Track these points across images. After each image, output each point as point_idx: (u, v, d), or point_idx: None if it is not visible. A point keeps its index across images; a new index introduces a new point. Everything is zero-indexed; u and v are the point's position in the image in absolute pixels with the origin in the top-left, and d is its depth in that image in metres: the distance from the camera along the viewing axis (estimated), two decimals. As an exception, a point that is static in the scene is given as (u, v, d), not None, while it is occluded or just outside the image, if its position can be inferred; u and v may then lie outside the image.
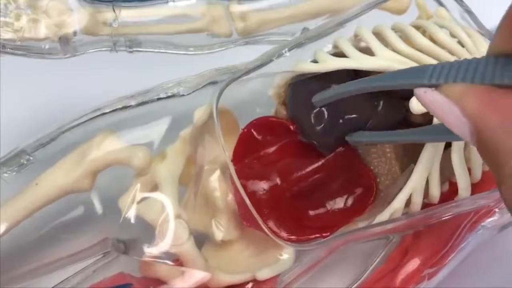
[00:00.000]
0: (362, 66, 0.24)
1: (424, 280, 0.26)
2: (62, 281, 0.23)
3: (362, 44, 0.25)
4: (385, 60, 0.23)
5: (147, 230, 0.22)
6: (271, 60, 0.25)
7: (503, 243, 0.29)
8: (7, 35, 0.25)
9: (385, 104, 0.24)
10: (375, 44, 0.24)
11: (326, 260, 0.25)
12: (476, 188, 0.25)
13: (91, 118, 0.25)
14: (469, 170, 0.24)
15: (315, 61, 0.25)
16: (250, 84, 0.26)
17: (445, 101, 0.16)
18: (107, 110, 0.25)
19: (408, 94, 0.24)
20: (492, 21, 0.28)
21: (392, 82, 0.19)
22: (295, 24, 0.29)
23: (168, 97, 0.25)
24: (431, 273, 0.26)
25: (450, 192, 0.25)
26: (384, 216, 0.24)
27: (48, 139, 0.24)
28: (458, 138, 0.19)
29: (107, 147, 0.23)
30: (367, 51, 0.24)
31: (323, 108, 0.24)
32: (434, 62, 0.23)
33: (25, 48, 0.26)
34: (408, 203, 0.24)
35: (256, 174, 0.24)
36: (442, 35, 0.25)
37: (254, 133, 0.25)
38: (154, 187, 0.23)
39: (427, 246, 0.26)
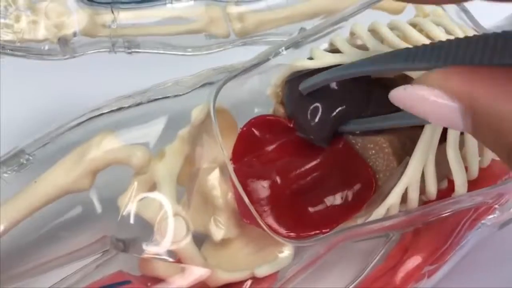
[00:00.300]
0: None
1: (424, 277, 0.26)
2: (61, 280, 0.23)
3: (359, 42, 0.26)
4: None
5: (145, 228, 0.22)
6: (268, 59, 0.25)
7: (503, 241, 0.29)
8: (7, 36, 0.25)
9: (378, 95, 0.24)
10: (369, 40, 0.24)
11: (326, 258, 0.25)
12: (473, 186, 0.25)
13: (90, 118, 0.25)
14: (466, 168, 0.24)
15: (311, 59, 0.25)
16: (248, 84, 0.26)
17: (426, 92, 0.15)
18: (106, 110, 0.25)
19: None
20: (488, 19, 0.28)
21: (381, 66, 0.18)
22: (293, 25, 0.30)
23: (166, 97, 0.25)
24: (431, 271, 0.26)
25: (448, 190, 0.25)
26: (380, 211, 0.24)
27: (48, 139, 0.25)
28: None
29: (106, 146, 0.23)
30: (364, 48, 0.25)
31: (318, 103, 0.24)
32: None
33: (24, 49, 0.26)
34: (405, 199, 0.24)
35: (255, 172, 0.24)
36: (438, 33, 0.25)
37: (254, 131, 0.26)
38: (153, 186, 0.23)
39: (427, 243, 0.26)
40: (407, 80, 0.23)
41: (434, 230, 0.26)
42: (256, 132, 0.26)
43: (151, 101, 0.25)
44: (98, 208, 0.24)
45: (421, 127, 0.23)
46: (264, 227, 0.23)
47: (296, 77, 0.25)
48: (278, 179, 0.24)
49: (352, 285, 0.26)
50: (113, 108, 0.25)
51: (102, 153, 0.23)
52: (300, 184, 0.24)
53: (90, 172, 0.23)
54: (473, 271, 0.28)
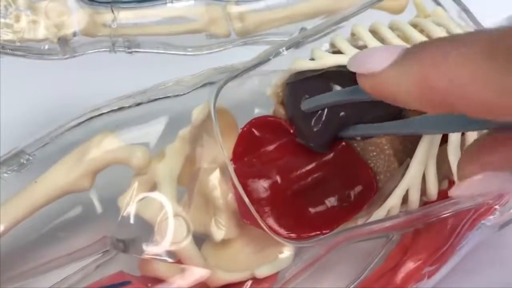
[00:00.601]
0: None
1: (424, 278, 0.26)
2: (61, 280, 0.24)
3: (360, 43, 0.26)
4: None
5: (146, 229, 0.22)
6: (268, 59, 0.25)
7: (503, 241, 0.29)
8: (7, 36, 0.25)
9: (377, 103, 0.24)
10: (370, 41, 0.24)
11: (326, 258, 0.25)
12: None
13: (90, 118, 0.25)
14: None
15: (312, 59, 0.25)
16: (248, 84, 0.26)
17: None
18: (106, 110, 0.25)
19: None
20: (489, 19, 0.28)
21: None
22: (293, 25, 0.30)
23: (166, 96, 0.25)
24: (431, 271, 0.26)
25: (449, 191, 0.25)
26: (381, 212, 0.24)
27: (48, 139, 0.25)
28: (455, 128, 0.19)
29: (107, 146, 0.23)
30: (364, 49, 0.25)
31: (319, 112, 0.24)
32: None
33: (24, 49, 0.26)
34: (405, 200, 0.24)
35: (256, 173, 0.24)
36: (439, 33, 0.25)
37: (254, 131, 0.25)
38: (153, 186, 0.23)
39: (427, 244, 0.26)
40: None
41: (434, 231, 0.26)
42: (257, 132, 0.26)
43: (152, 101, 0.25)
44: (98, 208, 0.24)
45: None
46: (265, 227, 0.23)
47: (297, 80, 0.25)
48: (278, 180, 0.24)
49: (352, 286, 0.26)
50: (113, 108, 0.25)
51: (102, 153, 0.23)
52: (300, 185, 0.24)
53: (90, 172, 0.23)
54: (473, 272, 0.28)
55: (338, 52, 0.25)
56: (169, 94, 0.25)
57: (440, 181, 0.24)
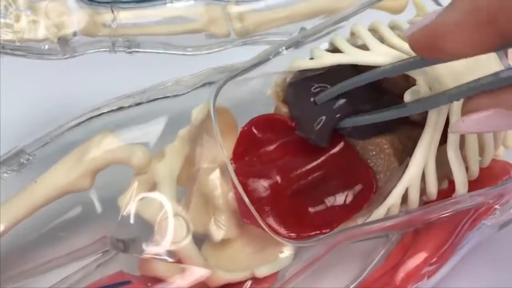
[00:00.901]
0: (357, 61, 0.24)
1: (424, 278, 0.26)
2: (61, 280, 0.23)
3: (359, 42, 0.26)
4: (380, 55, 0.24)
5: (145, 228, 0.22)
6: (268, 59, 0.25)
7: (503, 241, 0.29)
8: (7, 36, 0.25)
9: (378, 95, 0.24)
10: (370, 40, 0.24)
11: (326, 258, 0.25)
12: (474, 185, 0.25)
13: (90, 118, 0.25)
14: (467, 168, 0.24)
15: (312, 59, 0.25)
16: (248, 83, 0.26)
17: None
18: (106, 110, 0.25)
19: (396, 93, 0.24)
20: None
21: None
22: (293, 24, 0.30)
23: (166, 96, 0.25)
24: (431, 271, 0.26)
25: (449, 190, 0.25)
26: (381, 211, 0.24)
27: (48, 139, 0.25)
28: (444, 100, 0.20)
29: (106, 146, 0.23)
30: (364, 48, 0.25)
31: (320, 106, 0.24)
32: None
33: (24, 49, 0.26)
34: (405, 200, 0.24)
35: (256, 172, 0.24)
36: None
37: (254, 131, 0.25)
38: (153, 186, 0.23)
39: (427, 244, 0.26)
40: (409, 81, 0.23)
41: (434, 231, 0.26)
42: (257, 132, 0.26)
43: (151, 100, 0.25)
44: (98, 208, 0.24)
45: (422, 128, 0.23)
46: (265, 227, 0.23)
47: (300, 79, 0.25)
48: (278, 179, 0.24)
49: (352, 285, 0.26)
50: (113, 108, 0.25)
51: (102, 153, 0.23)
52: (300, 184, 0.24)
53: (90, 172, 0.23)
54: (473, 272, 0.28)
55: (337, 50, 0.25)
56: (168, 94, 0.25)
57: (439, 180, 0.24)
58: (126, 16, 0.27)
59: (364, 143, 0.25)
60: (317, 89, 0.25)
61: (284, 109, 0.26)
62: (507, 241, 0.29)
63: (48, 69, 0.27)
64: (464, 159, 0.24)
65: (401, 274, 0.26)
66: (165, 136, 0.24)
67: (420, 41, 0.18)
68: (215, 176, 0.24)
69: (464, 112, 0.19)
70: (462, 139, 0.24)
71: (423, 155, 0.23)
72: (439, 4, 0.30)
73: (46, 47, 0.26)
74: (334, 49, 0.25)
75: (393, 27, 0.26)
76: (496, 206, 0.27)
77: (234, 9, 0.29)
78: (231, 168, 0.23)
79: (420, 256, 0.26)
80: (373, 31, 0.25)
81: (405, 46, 0.24)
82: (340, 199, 0.25)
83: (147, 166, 0.23)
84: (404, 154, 0.24)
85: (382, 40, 0.25)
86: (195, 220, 0.23)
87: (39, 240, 0.23)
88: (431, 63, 0.20)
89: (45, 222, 0.23)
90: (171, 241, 0.22)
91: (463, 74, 0.22)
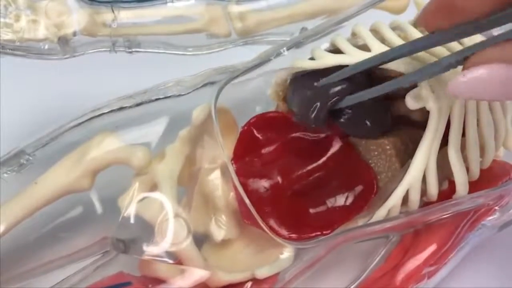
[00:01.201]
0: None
1: (424, 279, 0.26)
2: (61, 280, 0.23)
3: (360, 43, 0.26)
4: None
5: (146, 229, 0.22)
6: (269, 60, 0.25)
7: (503, 241, 0.29)
8: (7, 36, 0.25)
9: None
10: (371, 40, 0.24)
11: (326, 259, 0.25)
12: (475, 186, 0.25)
13: (91, 118, 0.25)
14: (467, 169, 0.24)
15: (312, 59, 0.25)
16: (249, 84, 0.26)
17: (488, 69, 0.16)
18: (106, 110, 0.25)
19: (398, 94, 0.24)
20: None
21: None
22: (294, 24, 0.30)
23: (167, 97, 0.25)
24: (431, 272, 0.26)
25: (449, 191, 0.25)
26: (382, 212, 0.24)
27: (48, 139, 0.25)
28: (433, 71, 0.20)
29: (107, 146, 0.23)
30: (365, 49, 0.24)
31: (317, 89, 0.24)
32: (431, 58, 0.23)
33: (24, 49, 0.26)
34: (406, 201, 0.24)
35: (257, 172, 0.24)
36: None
37: (254, 130, 0.25)
38: (153, 187, 0.23)
39: (427, 245, 0.26)
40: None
41: (434, 232, 0.26)
42: (257, 131, 0.26)
43: (152, 101, 0.25)
44: (99, 208, 0.24)
45: (424, 129, 0.23)
46: (265, 228, 0.23)
47: (300, 76, 0.25)
48: (279, 180, 0.24)
49: (353, 286, 0.26)
50: (113, 108, 0.25)
51: (103, 153, 0.23)
52: (301, 185, 0.24)
53: (90, 172, 0.23)
54: (473, 272, 0.28)
55: (338, 51, 0.25)
56: (169, 94, 0.25)
57: (440, 181, 0.24)
58: (127, 15, 0.27)
59: (367, 143, 0.25)
60: (316, 81, 0.24)
61: (285, 109, 0.26)
62: (507, 241, 0.29)
63: (48, 69, 0.27)
64: (465, 160, 0.24)
65: (401, 274, 0.26)
66: (166, 137, 0.24)
67: (436, 7, 0.18)
68: (216, 177, 0.24)
69: (467, 66, 0.18)
70: (463, 140, 0.24)
71: (424, 157, 0.23)
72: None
73: (46, 47, 0.26)
74: (335, 49, 0.25)
75: (394, 28, 0.26)
76: (496, 208, 0.27)
77: (235, 8, 0.29)
78: (231, 168, 0.23)
79: (421, 257, 0.26)
80: (374, 31, 0.25)
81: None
82: (340, 200, 0.25)
83: (148, 166, 0.23)
84: (406, 155, 0.24)
85: (383, 40, 0.25)
86: (196, 221, 0.23)
87: (39, 241, 0.23)
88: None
89: (45, 222, 0.23)
90: (171, 242, 0.22)
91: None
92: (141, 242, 0.22)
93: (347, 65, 0.23)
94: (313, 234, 0.24)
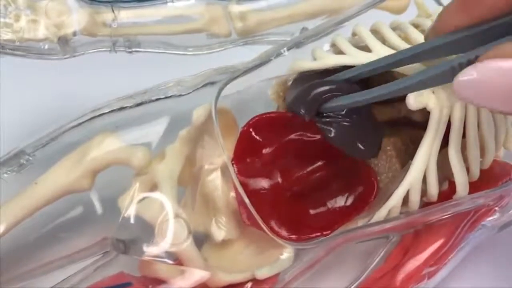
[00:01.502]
0: (359, 62, 0.24)
1: (424, 279, 0.26)
2: (61, 281, 0.23)
3: (361, 44, 0.26)
4: (381, 56, 0.23)
5: (146, 230, 0.22)
6: (270, 60, 0.25)
7: (503, 242, 0.29)
8: (7, 36, 0.25)
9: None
10: (371, 41, 0.24)
11: (326, 259, 0.25)
12: (474, 187, 0.25)
13: (91, 118, 0.25)
14: (468, 169, 0.24)
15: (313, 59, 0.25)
16: (250, 84, 0.26)
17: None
18: (107, 110, 0.25)
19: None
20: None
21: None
22: (294, 24, 0.30)
23: (167, 97, 0.25)
24: (431, 272, 0.26)
25: (449, 192, 0.25)
26: (382, 213, 0.24)
27: (48, 139, 0.24)
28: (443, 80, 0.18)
29: (107, 147, 0.23)
30: (366, 49, 0.24)
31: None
32: None
33: (24, 49, 0.26)
34: (406, 201, 0.24)
35: (257, 173, 0.24)
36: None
37: (254, 131, 0.25)
38: (154, 187, 0.23)
39: (427, 245, 0.26)
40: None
41: (434, 232, 0.26)
42: (257, 132, 0.25)
43: (152, 101, 0.25)
44: (99, 209, 0.24)
45: (424, 130, 0.23)
46: (265, 229, 0.22)
47: (302, 77, 0.25)
48: (280, 180, 0.24)
49: (353, 286, 0.26)
50: (114, 108, 0.25)
51: (103, 153, 0.23)
52: (302, 186, 0.24)
53: (90, 173, 0.23)
54: (473, 273, 0.28)
55: (339, 51, 0.25)
56: (169, 94, 0.25)
57: (440, 182, 0.24)
58: (127, 15, 0.27)
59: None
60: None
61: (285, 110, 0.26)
62: (507, 242, 0.29)
63: (48, 69, 0.27)
64: (465, 160, 0.24)
65: (401, 275, 0.26)
66: (166, 137, 0.24)
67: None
68: (216, 177, 0.24)
69: (486, 57, 0.15)
70: (464, 141, 0.24)
71: (425, 157, 0.23)
72: (440, 4, 0.30)
73: (46, 47, 0.26)
74: (336, 50, 0.25)
75: (394, 28, 0.26)
76: (496, 208, 0.27)
77: (235, 8, 0.29)
78: (232, 169, 0.23)
79: (421, 257, 0.26)
80: (375, 32, 0.25)
81: (406, 47, 0.24)
82: (341, 200, 0.25)
83: (148, 166, 0.23)
84: (406, 156, 0.24)
85: (383, 41, 0.25)
86: (196, 221, 0.23)
87: (39, 241, 0.23)
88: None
89: (46, 223, 0.23)
90: (171, 242, 0.22)
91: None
92: (141, 243, 0.22)
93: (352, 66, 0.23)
94: (313, 235, 0.24)
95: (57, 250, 0.24)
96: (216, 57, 0.29)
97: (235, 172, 0.23)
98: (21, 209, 0.22)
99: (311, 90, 0.23)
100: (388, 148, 0.24)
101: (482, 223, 0.27)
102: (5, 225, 0.22)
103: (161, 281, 0.22)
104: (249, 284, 0.23)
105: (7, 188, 0.23)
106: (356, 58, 0.24)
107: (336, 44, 0.26)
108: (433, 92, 0.22)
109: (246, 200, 0.22)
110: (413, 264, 0.26)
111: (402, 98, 0.23)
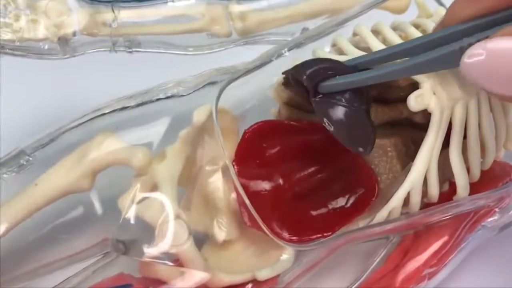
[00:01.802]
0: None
1: (424, 280, 0.26)
2: (62, 282, 0.23)
3: (362, 44, 0.26)
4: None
5: (146, 230, 0.22)
6: (270, 60, 0.25)
7: (503, 242, 0.29)
8: (7, 35, 0.25)
9: None
10: (372, 41, 0.24)
11: (326, 260, 0.25)
12: (475, 188, 0.25)
13: (91, 119, 0.25)
14: (468, 170, 0.24)
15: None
16: (250, 85, 0.26)
17: None
18: (107, 111, 0.25)
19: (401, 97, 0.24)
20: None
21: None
22: (295, 24, 0.29)
23: (168, 97, 0.25)
24: (431, 273, 0.26)
25: (450, 193, 0.25)
26: (383, 214, 0.24)
27: (48, 140, 0.24)
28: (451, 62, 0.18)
29: (107, 147, 0.23)
30: (367, 50, 0.24)
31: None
32: None
33: (24, 49, 0.26)
34: (407, 202, 0.24)
35: (258, 175, 0.24)
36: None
37: (257, 136, 0.25)
38: (154, 187, 0.23)
39: (427, 246, 0.26)
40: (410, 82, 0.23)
41: (434, 233, 0.26)
42: (260, 137, 0.25)
43: (153, 101, 0.25)
44: (99, 209, 0.23)
45: (425, 131, 0.23)
46: (266, 230, 0.22)
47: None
48: (281, 182, 0.24)
49: (353, 287, 0.26)
50: (114, 109, 0.25)
51: (103, 153, 0.23)
52: (302, 187, 0.24)
53: (90, 173, 0.23)
54: (473, 274, 0.28)
55: (339, 51, 0.25)
56: (170, 94, 0.25)
57: (441, 183, 0.24)
58: (127, 15, 0.27)
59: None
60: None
61: (286, 111, 0.26)
62: (507, 243, 0.29)
63: (48, 69, 0.27)
64: (465, 160, 0.24)
65: (401, 275, 0.26)
66: (166, 137, 0.24)
67: None
68: (217, 178, 0.24)
69: (495, 35, 0.14)
70: (464, 142, 0.24)
71: (426, 159, 0.23)
72: (441, 4, 0.30)
73: (46, 46, 0.26)
74: (337, 50, 0.25)
75: (395, 28, 0.26)
76: (496, 209, 0.27)
77: (236, 8, 0.29)
78: (232, 170, 0.23)
79: (421, 258, 0.26)
80: (376, 32, 0.25)
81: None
82: (342, 202, 0.25)
83: (148, 167, 0.23)
84: (407, 157, 0.24)
85: (384, 41, 0.25)
86: (196, 222, 0.23)
87: (39, 242, 0.23)
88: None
89: (46, 223, 0.23)
90: (172, 244, 0.22)
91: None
92: (141, 244, 0.22)
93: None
94: (314, 236, 0.23)
95: (57, 251, 0.23)
96: (216, 57, 0.29)
97: (236, 173, 0.23)
98: (21, 210, 0.22)
99: (317, 61, 0.23)
100: (389, 149, 0.24)
101: (482, 224, 0.27)
102: (5, 226, 0.22)
103: (162, 282, 0.22)
104: (249, 285, 0.23)
105: (7, 188, 0.23)
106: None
107: (337, 44, 0.25)
108: (434, 93, 0.22)
109: (247, 201, 0.22)
110: (413, 264, 0.26)
111: (404, 99, 0.22)
